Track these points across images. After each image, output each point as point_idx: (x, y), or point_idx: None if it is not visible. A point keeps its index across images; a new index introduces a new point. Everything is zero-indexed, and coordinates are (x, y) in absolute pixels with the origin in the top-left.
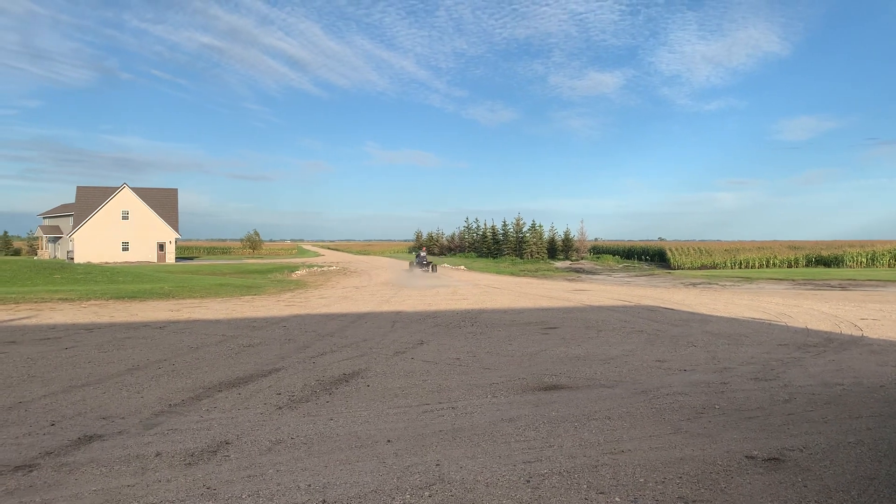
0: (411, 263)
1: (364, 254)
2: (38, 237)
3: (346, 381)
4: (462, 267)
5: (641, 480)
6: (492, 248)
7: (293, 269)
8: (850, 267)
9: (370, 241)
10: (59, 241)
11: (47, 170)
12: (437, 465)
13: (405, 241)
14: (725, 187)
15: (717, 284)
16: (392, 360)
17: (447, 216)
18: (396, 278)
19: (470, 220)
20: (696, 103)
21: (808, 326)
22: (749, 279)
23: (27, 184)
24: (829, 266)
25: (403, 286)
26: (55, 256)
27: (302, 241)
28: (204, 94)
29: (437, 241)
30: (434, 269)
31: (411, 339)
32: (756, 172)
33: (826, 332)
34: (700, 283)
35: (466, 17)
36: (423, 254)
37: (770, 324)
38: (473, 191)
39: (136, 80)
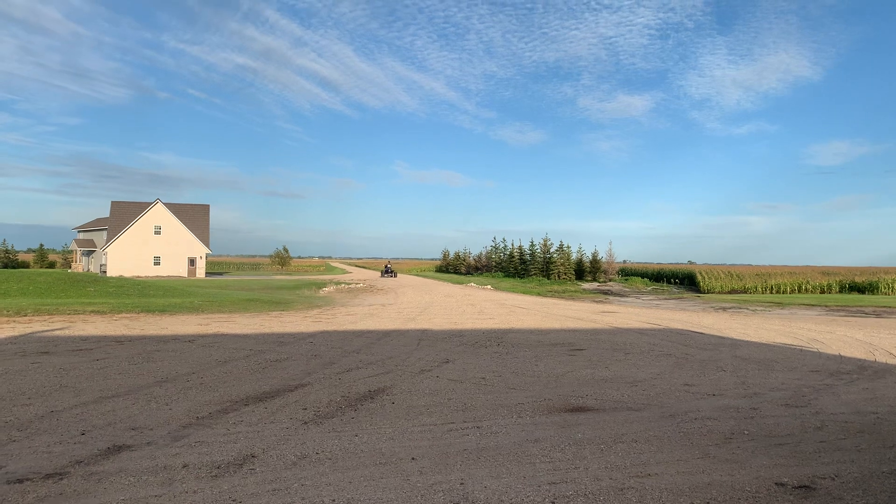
0: (382, 272)
1: None
2: (72, 250)
3: (372, 398)
4: (489, 286)
5: None
6: (518, 268)
7: (321, 285)
8: (885, 294)
9: (398, 259)
10: (93, 254)
11: (84, 185)
12: (462, 483)
13: (432, 259)
14: (756, 211)
15: (747, 309)
16: (417, 377)
17: (474, 236)
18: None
19: (497, 240)
20: (727, 127)
21: (842, 353)
22: (780, 304)
23: (64, 198)
24: (863, 292)
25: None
26: (88, 269)
27: (330, 258)
28: (238, 113)
29: (463, 260)
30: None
31: (437, 357)
32: (787, 197)
33: (860, 360)
34: (730, 308)
35: (496, 40)
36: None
37: (802, 350)
38: (501, 211)
39: (172, 99)
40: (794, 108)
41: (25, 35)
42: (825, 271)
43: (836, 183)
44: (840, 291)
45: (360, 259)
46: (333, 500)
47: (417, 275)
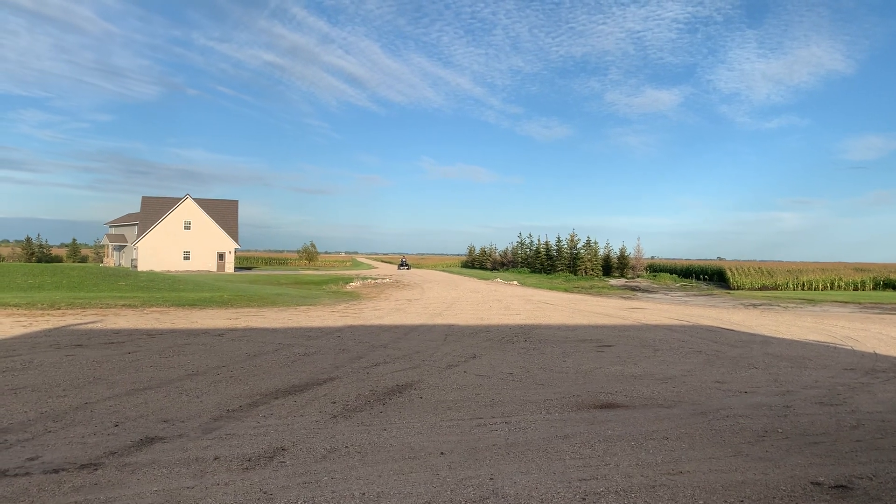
0: (399, 265)
1: (417, 267)
2: (104, 245)
3: (400, 393)
4: (515, 282)
5: (701, 503)
6: (545, 263)
7: (348, 280)
8: None
9: (423, 254)
10: (124, 249)
11: (115, 180)
12: (491, 478)
13: (458, 254)
14: (788, 206)
15: (778, 306)
16: (445, 372)
17: (500, 231)
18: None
19: (523, 236)
20: (757, 121)
21: (877, 351)
22: (812, 301)
23: (96, 193)
24: None
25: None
26: (120, 264)
27: (356, 253)
28: (266, 110)
29: (489, 255)
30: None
31: (464, 352)
32: (819, 192)
33: None
34: (761, 304)
35: (523, 35)
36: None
37: (835, 347)
38: (527, 206)
39: (201, 96)
40: (826, 101)
41: (59, 34)
42: (859, 268)
43: (870, 177)
44: (874, 288)
45: (387, 254)
46: (363, 494)
47: (443, 270)
